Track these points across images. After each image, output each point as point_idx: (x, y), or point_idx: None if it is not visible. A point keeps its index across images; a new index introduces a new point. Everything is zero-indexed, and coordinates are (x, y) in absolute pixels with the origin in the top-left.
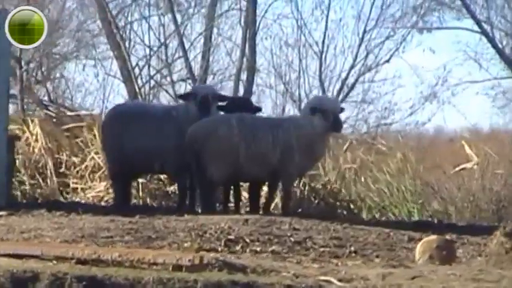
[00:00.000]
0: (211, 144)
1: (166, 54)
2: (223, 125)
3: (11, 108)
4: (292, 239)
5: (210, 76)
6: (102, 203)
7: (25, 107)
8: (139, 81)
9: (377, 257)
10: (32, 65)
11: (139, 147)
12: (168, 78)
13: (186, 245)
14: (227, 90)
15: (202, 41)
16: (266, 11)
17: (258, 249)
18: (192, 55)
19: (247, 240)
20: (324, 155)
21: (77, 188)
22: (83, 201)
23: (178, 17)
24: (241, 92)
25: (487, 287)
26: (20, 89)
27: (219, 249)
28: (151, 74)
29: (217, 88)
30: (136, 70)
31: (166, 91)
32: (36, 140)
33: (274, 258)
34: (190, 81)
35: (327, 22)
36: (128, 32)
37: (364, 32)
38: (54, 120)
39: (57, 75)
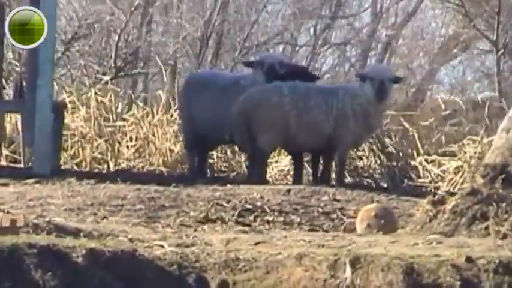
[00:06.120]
0: (262, 113)
1: None
2: (275, 93)
3: None
4: (320, 209)
5: None
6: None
7: None
8: None
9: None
10: None
11: (208, 117)
12: None
13: (192, 213)
14: None
15: None
16: None
17: (270, 218)
18: None
19: (267, 210)
20: (381, 125)
21: None
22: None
23: None
24: None
25: (321, 253)
26: None
27: (227, 218)
28: None
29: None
30: None
31: None
32: None
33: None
34: None
35: None
36: None
37: None
38: None
39: None
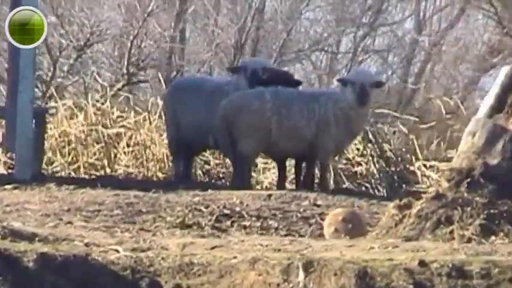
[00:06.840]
0: (243, 119)
1: None
2: (256, 99)
3: None
4: (299, 214)
5: None
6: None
7: None
8: None
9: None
10: None
11: (193, 122)
12: None
13: (168, 219)
14: None
15: None
16: None
17: (248, 224)
18: None
19: (245, 215)
20: (362, 130)
21: (263, 168)
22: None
23: None
24: None
25: (275, 257)
26: None
27: (203, 223)
28: None
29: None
30: None
31: None
32: None
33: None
34: None
35: None
36: None
37: None
38: None
39: None
